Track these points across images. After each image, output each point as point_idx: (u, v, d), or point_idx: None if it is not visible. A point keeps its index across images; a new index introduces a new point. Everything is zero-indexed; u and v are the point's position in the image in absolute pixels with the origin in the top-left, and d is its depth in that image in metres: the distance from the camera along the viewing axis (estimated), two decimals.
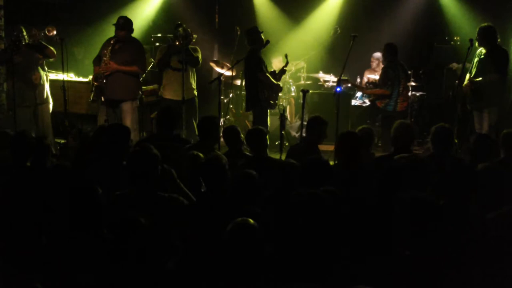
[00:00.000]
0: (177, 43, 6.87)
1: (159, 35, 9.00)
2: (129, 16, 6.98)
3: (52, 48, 6.75)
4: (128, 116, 6.87)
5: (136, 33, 7.23)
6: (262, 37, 7.04)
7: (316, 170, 3.75)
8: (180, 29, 6.84)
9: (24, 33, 6.60)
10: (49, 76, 7.08)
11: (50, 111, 7.03)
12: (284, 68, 7.55)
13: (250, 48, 7.02)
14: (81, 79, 7.88)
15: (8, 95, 7.02)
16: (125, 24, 6.77)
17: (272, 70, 7.68)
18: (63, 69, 6.56)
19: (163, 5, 9.72)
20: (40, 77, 6.82)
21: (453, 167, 3.57)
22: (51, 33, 6.60)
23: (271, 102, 7.16)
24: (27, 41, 6.58)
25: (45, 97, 6.92)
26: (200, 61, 7.26)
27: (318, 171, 3.75)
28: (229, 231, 2.66)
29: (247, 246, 2.62)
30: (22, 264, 2.96)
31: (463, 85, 6.66)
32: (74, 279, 2.71)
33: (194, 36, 7.21)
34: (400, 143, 4.90)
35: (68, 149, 6.64)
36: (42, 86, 6.86)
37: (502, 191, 3.35)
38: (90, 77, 7.28)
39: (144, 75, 7.56)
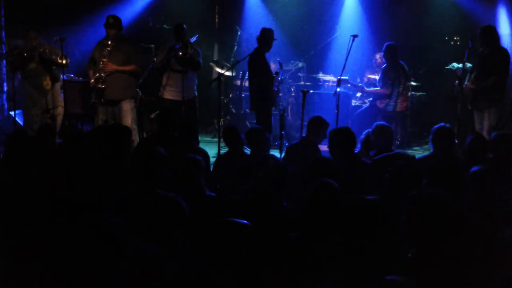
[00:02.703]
0: (180, 53, 6.85)
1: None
2: (129, 17, 6.99)
3: (62, 63, 6.72)
4: (128, 115, 6.88)
5: (136, 33, 7.24)
6: (272, 42, 7.04)
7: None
8: (181, 44, 6.85)
9: (40, 40, 6.67)
10: (60, 82, 7.07)
11: (61, 115, 7.06)
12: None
13: (257, 47, 6.99)
14: (81, 79, 7.88)
15: (20, 96, 7.04)
16: (115, 23, 6.81)
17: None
18: (63, 69, 6.57)
19: (163, 5, 9.72)
20: (51, 83, 6.86)
21: (440, 166, 3.57)
22: (61, 62, 6.64)
23: (274, 102, 7.18)
24: (41, 50, 6.62)
25: (56, 102, 6.94)
26: (201, 65, 7.25)
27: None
28: (222, 230, 2.70)
29: (238, 244, 2.66)
30: (22, 260, 2.96)
31: (465, 86, 6.67)
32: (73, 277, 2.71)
33: (195, 36, 7.20)
34: (381, 145, 4.94)
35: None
36: (54, 91, 6.90)
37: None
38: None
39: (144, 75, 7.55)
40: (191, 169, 3.90)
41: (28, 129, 6.63)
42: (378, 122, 5.21)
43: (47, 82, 6.79)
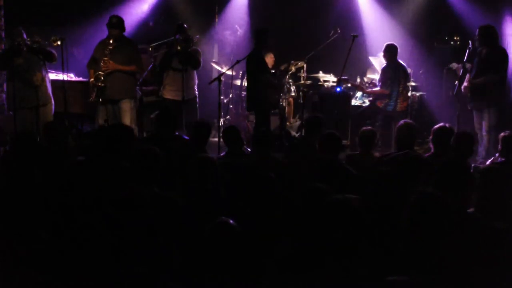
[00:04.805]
0: (178, 47, 6.86)
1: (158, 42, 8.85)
2: (129, 16, 7.02)
3: (54, 53, 6.72)
4: (127, 115, 6.89)
5: (136, 33, 7.25)
6: (269, 39, 7.02)
7: None
8: (180, 34, 6.86)
9: (24, 37, 6.59)
10: (49, 77, 7.05)
11: (53, 112, 7.01)
12: (287, 71, 7.55)
13: (254, 47, 7.00)
14: (81, 79, 7.88)
15: (8, 96, 7.01)
16: (118, 23, 6.83)
17: (273, 71, 7.68)
18: (63, 69, 6.57)
19: (163, 5, 9.72)
20: (41, 78, 6.80)
21: (447, 166, 3.56)
22: (56, 43, 6.58)
23: (272, 102, 7.17)
24: (28, 42, 6.56)
25: (46, 98, 6.90)
26: (201, 64, 7.26)
27: None
28: (207, 230, 2.72)
29: (224, 245, 2.67)
30: (22, 260, 2.96)
31: (463, 85, 6.69)
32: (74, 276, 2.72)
33: (196, 37, 7.22)
34: (403, 143, 4.92)
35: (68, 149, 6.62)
36: (44, 87, 6.84)
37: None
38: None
39: (143, 75, 7.56)
40: (204, 169, 3.87)
41: (21, 129, 6.59)
42: (404, 120, 5.21)
43: (37, 78, 6.74)
